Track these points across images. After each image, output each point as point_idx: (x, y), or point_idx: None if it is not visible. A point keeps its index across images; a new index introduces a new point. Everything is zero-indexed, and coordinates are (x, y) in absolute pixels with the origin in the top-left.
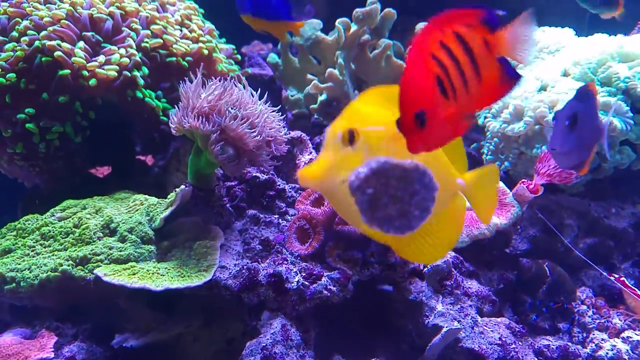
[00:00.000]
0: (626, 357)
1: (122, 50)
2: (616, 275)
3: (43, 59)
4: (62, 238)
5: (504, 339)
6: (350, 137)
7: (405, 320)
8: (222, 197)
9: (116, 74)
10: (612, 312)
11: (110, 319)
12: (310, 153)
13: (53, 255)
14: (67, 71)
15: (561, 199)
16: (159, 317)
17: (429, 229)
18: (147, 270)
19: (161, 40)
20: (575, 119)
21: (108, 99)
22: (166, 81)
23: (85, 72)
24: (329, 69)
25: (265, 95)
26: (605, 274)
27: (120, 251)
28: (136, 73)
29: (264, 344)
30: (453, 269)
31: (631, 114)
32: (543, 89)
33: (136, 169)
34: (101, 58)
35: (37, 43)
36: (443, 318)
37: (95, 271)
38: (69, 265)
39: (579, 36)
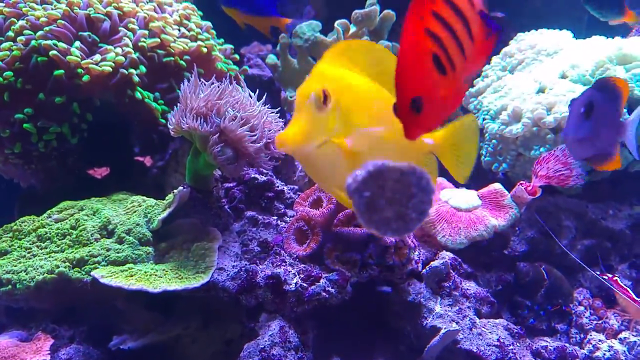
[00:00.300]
0: (623, 357)
1: (119, 49)
2: (609, 275)
3: (39, 58)
4: (59, 240)
5: (502, 340)
6: (324, 99)
7: (403, 322)
8: (220, 198)
9: (111, 69)
10: (610, 313)
11: (108, 320)
12: None
13: (49, 256)
14: (62, 71)
15: (559, 200)
16: (157, 319)
17: None
18: (145, 272)
19: (159, 40)
20: (592, 106)
21: (106, 100)
22: (164, 82)
23: (80, 70)
24: None
25: (265, 97)
26: (597, 273)
27: (118, 253)
28: (132, 71)
29: (262, 346)
30: (451, 271)
31: (628, 116)
32: (541, 91)
33: (135, 170)
34: (97, 57)
35: (33, 42)
36: (441, 319)
37: (92, 273)
38: (65, 267)
39: (577, 38)
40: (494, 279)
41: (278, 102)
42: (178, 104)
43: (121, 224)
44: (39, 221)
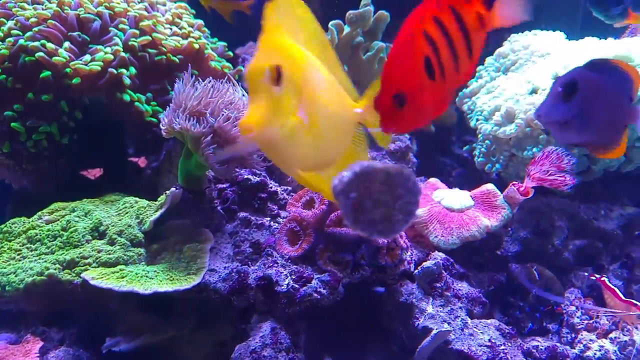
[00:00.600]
0: (614, 357)
1: (108, 49)
2: (597, 276)
3: (27, 58)
4: (50, 241)
5: (493, 341)
6: (278, 76)
7: (395, 323)
8: (213, 199)
9: (99, 68)
10: (601, 312)
11: (100, 323)
12: None
13: (40, 258)
14: (48, 73)
15: (552, 201)
16: (151, 320)
17: (348, 163)
18: (136, 274)
19: (150, 38)
20: (575, 87)
21: (98, 100)
22: (156, 82)
23: (68, 70)
24: None
25: None
26: (586, 274)
27: (109, 254)
28: (122, 71)
29: (253, 347)
30: (443, 271)
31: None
32: (534, 92)
33: (128, 171)
34: (87, 57)
35: (20, 41)
36: (433, 320)
37: (82, 274)
38: (55, 269)
39: (570, 39)
40: (486, 279)
41: None
42: (170, 104)
43: (113, 226)
44: (29, 223)
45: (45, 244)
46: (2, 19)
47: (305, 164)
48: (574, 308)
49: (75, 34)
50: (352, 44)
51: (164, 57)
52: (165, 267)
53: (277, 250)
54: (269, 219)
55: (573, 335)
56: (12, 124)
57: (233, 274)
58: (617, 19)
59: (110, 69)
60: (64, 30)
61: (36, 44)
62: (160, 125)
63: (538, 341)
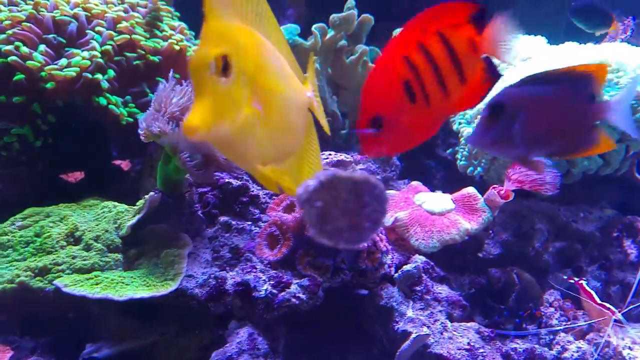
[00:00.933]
0: (590, 358)
1: (85, 53)
2: (575, 279)
3: (0, 61)
4: (22, 248)
5: (472, 344)
6: (225, 66)
7: (376, 326)
8: (193, 203)
9: (75, 74)
10: (579, 313)
11: (78, 330)
12: None
13: (11, 265)
14: (22, 76)
15: (532, 204)
16: (134, 325)
17: (303, 153)
18: (112, 280)
19: (127, 36)
20: (501, 107)
21: (73, 102)
22: (135, 85)
23: (43, 74)
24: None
25: None
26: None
27: (84, 260)
28: (99, 76)
29: (229, 354)
30: (423, 274)
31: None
32: None
33: (111, 175)
34: (63, 61)
35: None
36: (412, 324)
37: (54, 282)
38: (26, 276)
39: (553, 44)
40: (467, 282)
41: None
42: (149, 108)
43: (89, 231)
44: (1, 229)
45: (17, 251)
46: None
47: (264, 156)
48: (552, 309)
49: (50, 36)
50: (336, 47)
51: (142, 61)
52: (142, 272)
53: (256, 255)
54: (250, 223)
55: (551, 337)
56: None
57: (210, 279)
58: (599, 28)
59: (85, 74)
60: (39, 32)
61: (10, 47)
62: (139, 129)
63: (517, 343)
